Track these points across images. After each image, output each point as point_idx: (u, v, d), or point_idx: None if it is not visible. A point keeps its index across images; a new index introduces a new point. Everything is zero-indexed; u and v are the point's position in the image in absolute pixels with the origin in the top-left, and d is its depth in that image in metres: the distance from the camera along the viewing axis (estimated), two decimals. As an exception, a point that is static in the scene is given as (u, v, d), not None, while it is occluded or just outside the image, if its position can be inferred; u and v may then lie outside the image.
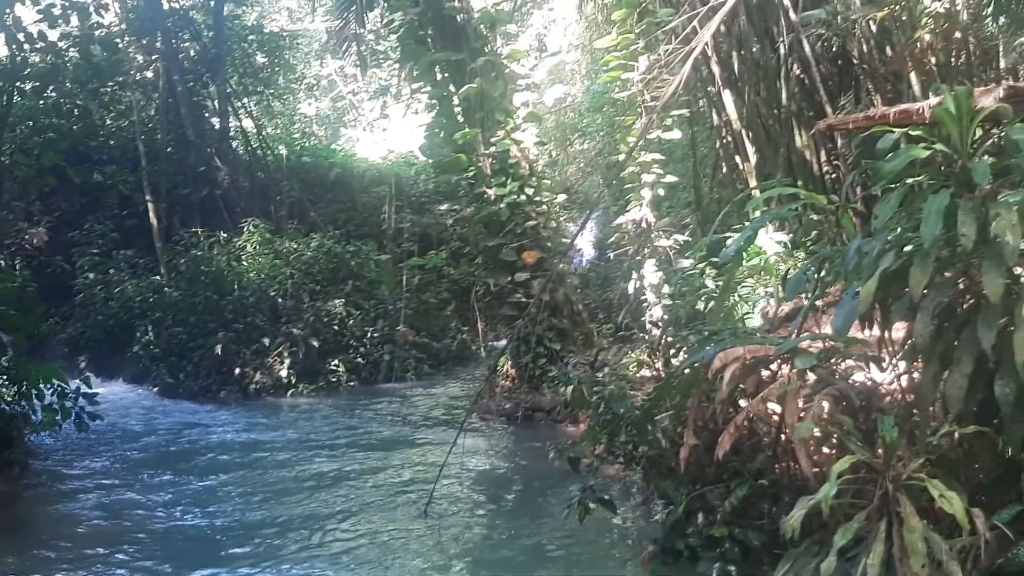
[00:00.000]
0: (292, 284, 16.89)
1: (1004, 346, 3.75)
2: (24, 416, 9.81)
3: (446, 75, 13.80)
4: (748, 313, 10.44)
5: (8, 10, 11.23)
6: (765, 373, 5.38)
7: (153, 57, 21.79)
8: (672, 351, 8.73)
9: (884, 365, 4.97)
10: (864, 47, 12.01)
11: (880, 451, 4.11)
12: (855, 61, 12.42)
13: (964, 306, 4.16)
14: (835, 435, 4.66)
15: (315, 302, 16.82)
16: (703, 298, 11.13)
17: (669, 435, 6.31)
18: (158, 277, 18.37)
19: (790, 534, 4.02)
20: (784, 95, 13.02)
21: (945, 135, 4.31)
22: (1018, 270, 3.99)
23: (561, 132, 25.73)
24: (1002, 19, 11.21)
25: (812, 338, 5.42)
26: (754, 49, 13.46)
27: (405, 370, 16.84)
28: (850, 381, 5.08)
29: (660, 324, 12.27)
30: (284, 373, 15.66)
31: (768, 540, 4.94)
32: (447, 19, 13.47)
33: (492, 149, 13.35)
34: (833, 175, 12.85)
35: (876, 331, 4.64)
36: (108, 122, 22.00)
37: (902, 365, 4.74)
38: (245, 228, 18.59)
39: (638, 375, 10.05)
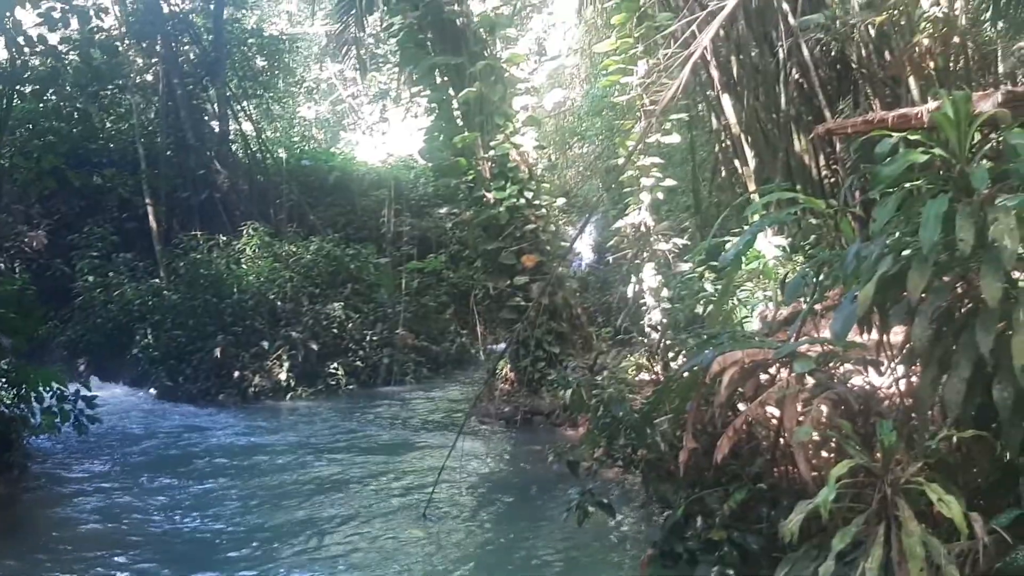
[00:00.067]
0: (291, 287, 16.89)
1: (1002, 350, 3.76)
2: (23, 419, 9.81)
3: (445, 79, 13.83)
4: (747, 317, 10.45)
5: (8, 14, 11.23)
6: (764, 377, 5.39)
7: (153, 60, 21.82)
8: (671, 355, 8.75)
9: (883, 369, 4.98)
10: (863, 51, 12.02)
11: (879, 455, 4.12)
12: (854, 65, 12.44)
13: (962, 310, 4.17)
14: (834, 439, 4.67)
15: (314, 305, 16.83)
16: (702, 302, 11.13)
17: (668, 439, 6.32)
18: (157, 280, 18.38)
19: (789, 538, 4.02)
20: (783, 99, 13.03)
21: (943, 139, 4.32)
22: (1016, 274, 3.99)
23: (560, 136, 25.74)
24: (1000, 24, 11.22)
25: (811, 342, 5.42)
26: (753, 53, 13.48)
27: (404, 373, 16.85)
28: (849, 385, 5.08)
29: (659, 328, 12.27)
30: (283, 376, 15.67)
31: (767, 544, 4.94)
32: (447, 23, 13.50)
33: (491, 153, 13.37)
34: (832, 179, 12.85)
35: (875, 335, 4.65)
36: (108, 125, 22.02)
37: (900, 369, 4.74)
38: (244, 231, 18.61)
39: (637, 379, 10.06)
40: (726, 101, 13.56)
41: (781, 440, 5.16)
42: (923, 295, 3.96)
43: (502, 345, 15.61)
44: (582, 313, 14.20)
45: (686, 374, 5.81)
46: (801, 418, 4.71)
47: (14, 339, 9.75)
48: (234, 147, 23.35)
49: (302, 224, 21.16)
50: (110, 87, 20.61)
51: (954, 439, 4.13)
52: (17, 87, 12.19)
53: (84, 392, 10.28)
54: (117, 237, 19.37)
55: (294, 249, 18.01)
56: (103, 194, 19.96)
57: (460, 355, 18.47)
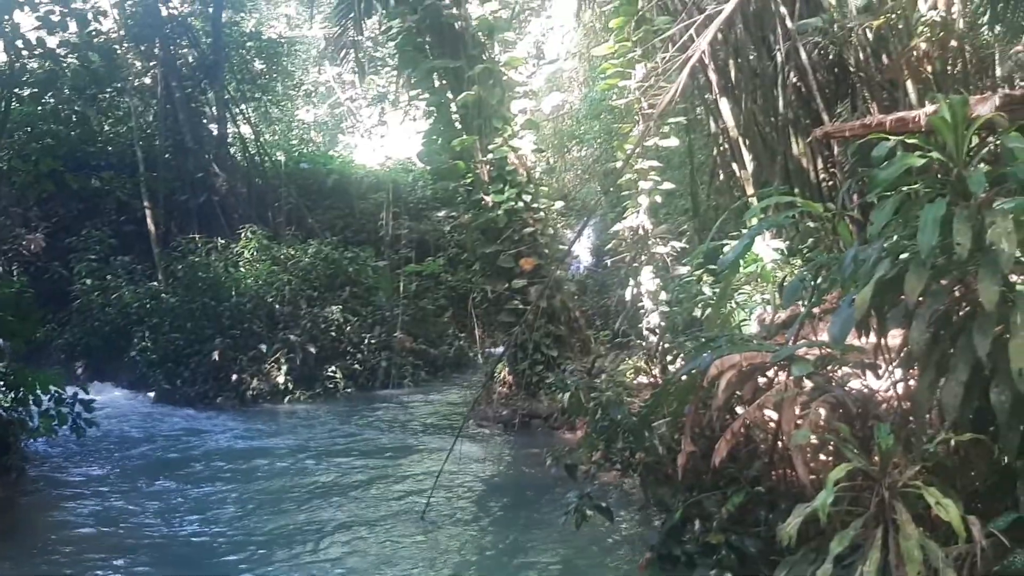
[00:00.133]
0: (289, 290, 16.88)
1: (1000, 354, 3.76)
2: (21, 422, 9.80)
3: (444, 82, 13.84)
4: (745, 320, 10.45)
5: (7, 17, 11.23)
6: (762, 380, 5.39)
7: (151, 63, 21.80)
8: (669, 358, 8.75)
9: (880, 372, 4.98)
10: (860, 55, 12.04)
11: (876, 458, 4.12)
12: (851, 69, 12.46)
13: (960, 314, 4.17)
14: (831, 442, 4.67)
15: (312, 308, 16.82)
16: (700, 305, 11.13)
17: (666, 442, 6.32)
18: (155, 283, 18.38)
19: (786, 541, 4.02)
20: (781, 103, 13.05)
21: (941, 143, 4.32)
22: (1013, 278, 4.00)
23: (559, 139, 25.76)
24: (998, 28, 11.26)
25: (809, 345, 5.43)
26: (751, 57, 13.50)
27: (402, 376, 16.85)
28: (847, 388, 5.08)
29: (657, 331, 12.28)
30: (281, 379, 15.65)
31: (764, 547, 4.94)
32: (445, 26, 13.51)
33: (490, 156, 13.38)
34: (830, 183, 12.87)
35: (872, 338, 4.66)
36: (106, 128, 22.03)
37: (898, 372, 4.75)
38: (243, 234, 18.60)
39: (635, 382, 10.05)
40: (724, 105, 13.58)
41: (779, 443, 5.17)
42: (921, 298, 3.97)
43: (500, 348, 15.62)
44: (580, 316, 14.20)
45: (684, 377, 5.82)
46: (799, 421, 4.71)
47: (12, 342, 9.75)
48: (232, 150, 23.35)
49: (300, 227, 21.17)
50: (108, 90, 20.65)
51: (952, 442, 4.13)
52: (15, 90, 12.20)
53: (82, 395, 10.27)
54: (115, 240, 19.38)
55: (292, 252, 18.01)
56: (101, 197, 19.96)
57: (458, 358, 18.48)
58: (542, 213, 13.77)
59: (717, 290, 10.92)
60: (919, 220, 3.94)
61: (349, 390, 16.19)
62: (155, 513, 8.95)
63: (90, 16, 12.58)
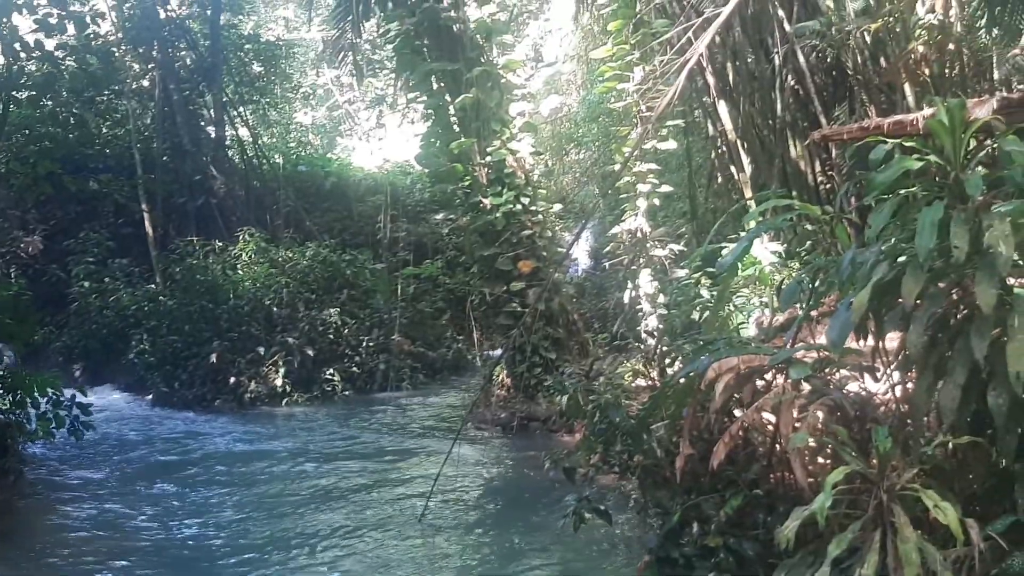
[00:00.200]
0: (287, 293, 16.87)
1: (997, 357, 3.76)
2: (19, 425, 9.79)
3: (442, 85, 13.85)
4: (743, 323, 10.45)
5: (4, 19, 11.23)
6: (760, 383, 5.39)
7: (149, 66, 21.81)
8: (667, 361, 8.73)
9: (878, 375, 4.99)
10: (858, 58, 12.04)
11: (874, 461, 4.12)
12: (849, 72, 12.46)
13: (957, 317, 4.17)
14: (829, 445, 4.67)
15: (310, 311, 16.80)
16: (698, 308, 11.14)
17: (664, 445, 6.31)
18: (153, 286, 18.39)
19: (784, 544, 4.02)
20: (779, 106, 13.05)
21: (938, 146, 4.33)
22: (1011, 281, 4.00)
23: (557, 142, 25.77)
24: (995, 31, 11.26)
25: (807, 348, 5.43)
26: (749, 60, 13.50)
27: (400, 379, 16.83)
28: (845, 391, 5.08)
29: (655, 334, 12.27)
30: (279, 382, 15.64)
31: (763, 550, 4.94)
32: (443, 29, 13.52)
33: (488, 159, 13.38)
34: (828, 186, 12.87)
35: (870, 341, 4.66)
36: (104, 131, 22.04)
37: (896, 375, 4.75)
38: (241, 237, 18.59)
39: (633, 384, 10.05)
40: (722, 107, 13.58)
41: (777, 446, 5.17)
42: (918, 301, 3.97)
43: (498, 351, 15.61)
44: (578, 319, 14.20)
45: (682, 380, 5.81)
46: (797, 424, 4.71)
47: (10, 344, 9.74)
48: (230, 153, 23.34)
49: (298, 230, 21.16)
50: (106, 93, 20.66)
51: (950, 445, 4.14)
52: (13, 93, 12.19)
53: (80, 399, 10.26)
54: (113, 243, 19.38)
55: (290, 255, 17.99)
56: (99, 199, 19.95)
57: (456, 361, 18.46)
58: (540, 216, 13.78)
59: (715, 293, 10.92)
60: (917, 223, 3.94)
61: (347, 393, 16.17)
62: (153, 516, 8.95)
63: (88, 19, 12.60)
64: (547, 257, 13.68)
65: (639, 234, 13.07)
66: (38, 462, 11.05)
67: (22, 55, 11.39)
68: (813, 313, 6.15)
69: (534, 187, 13.89)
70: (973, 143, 4.38)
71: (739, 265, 10.02)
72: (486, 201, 13.29)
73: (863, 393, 5.16)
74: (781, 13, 12.57)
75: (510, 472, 10.73)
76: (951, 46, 11.00)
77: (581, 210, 22.04)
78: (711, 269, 10.78)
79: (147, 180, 20.09)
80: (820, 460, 5.05)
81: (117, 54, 19.93)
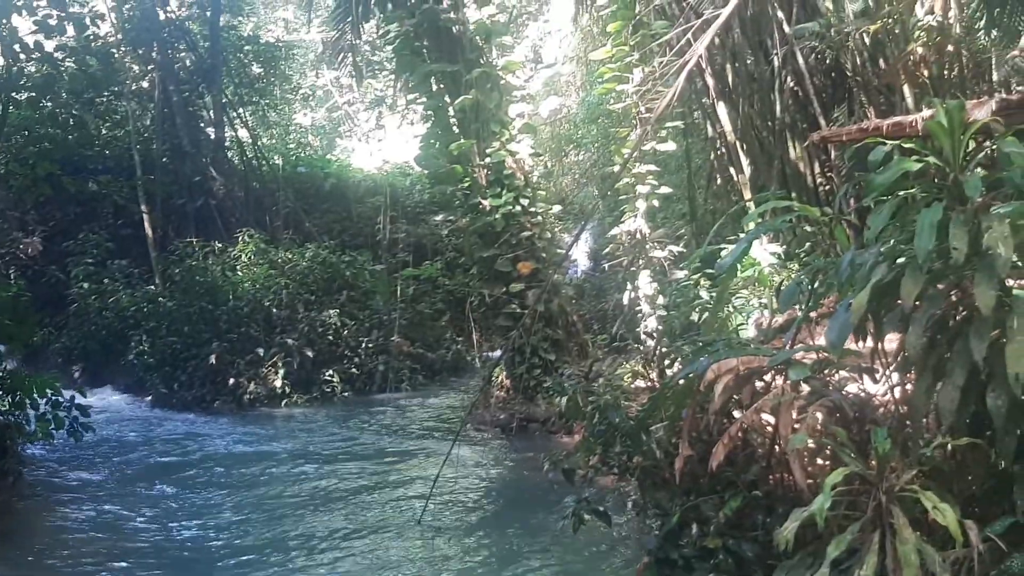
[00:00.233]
0: (287, 294, 16.86)
1: (996, 358, 3.76)
2: (18, 426, 9.78)
3: (442, 86, 13.85)
4: (742, 324, 10.46)
5: (4, 20, 11.24)
6: (759, 384, 5.39)
7: (149, 67, 21.81)
8: (667, 362, 8.73)
9: (877, 377, 4.99)
10: (857, 60, 12.05)
11: (873, 463, 4.12)
12: (848, 74, 12.47)
13: (956, 318, 4.17)
14: (829, 447, 4.67)
15: (310, 312, 16.80)
16: (698, 309, 11.14)
17: (663, 446, 6.31)
18: (153, 287, 18.38)
19: (784, 545, 4.02)
20: (778, 107, 13.06)
21: (937, 148, 4.33)
22: (1010, 282, 4.00)
23: (556, 143, 25.77)
24: (995, 32, 11.27)
25: (806, 349, 5.43)
26: (748, 61, 13.51)
27: (400, 380, 16.83)
28: (844, 393, 5.08)
29: (655, 335, 12.27)
30: (278, 383, 15.64)
31: (762, 551, 4.94)
32: (443, 31, 13.53)
33: (487, 160, 13.38)
34: (827, 187, 12.88)
35: (869, 343, 4.66)
36: (104, 132, 22.04)
37: (895, 377, 4.75)
38: (240, 238, 18.59)
39: (633, 386, 10.05)
40: (721, 109, 13.59)
41: (776, 447, 5.17)
42: (917, 303, 3.97)
43: (498, 352, 15.62)
44: (578, 320, 14.21)
45: (681, 381, 5.81)
46: (796, 425, 4.71)
47: (9, 345, 9.72)
48: (230, 154, 23.34)
49: (298, 231, 21.16)
50: (106, 94, 20.67)
51: (949, 447, 4.14)
52: (13, 94, 12.20)
53: (79, 400, 10.25)
54: (112, 244, 19.37)
55: (290, 256, 17.99)
56: (98, 201, 19.95)
57: (456, 362, 18.45)
58: (540, 217, 13.78)
59: (714, 294, 10.93)
60: (916, 225, 3.94)
61: (346, 394, 16.17)
62: (152, 518, 8.94)
63: (88, 20, 12.61)
64: (546, 258, 13.68)
65: (638, 235, 13.08)
66: (37, 463, 11.04)
67: (22, 56, 11.40)
68: (812, 314, 6.16)
69: (533, 188, 13.89)
70: (972, 145, 4.39)
71: (738, 266, 10.02)
72: (485, 202, 13.30)
73: (862, 394, 5.16)
74: (780, 15, 12.58)
75: (509, 473, 10.73)
76: (950, 48, 11.01)
77: (580, 211, 22.05)
78: (710, 270, 10.79)
79: (146, 181, 20.09)
80: (819, 461, 5.05)
81: (117, 55, 19.95)
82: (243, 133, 23.83)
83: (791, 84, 12.95)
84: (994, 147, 4.34)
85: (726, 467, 5.24)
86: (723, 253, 9.53)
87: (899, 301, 4.00)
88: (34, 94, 12.52)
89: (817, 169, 12.97)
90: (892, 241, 4.32)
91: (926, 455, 4.16)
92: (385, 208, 21.65)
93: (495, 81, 13.44)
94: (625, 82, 12.82)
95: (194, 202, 20.67)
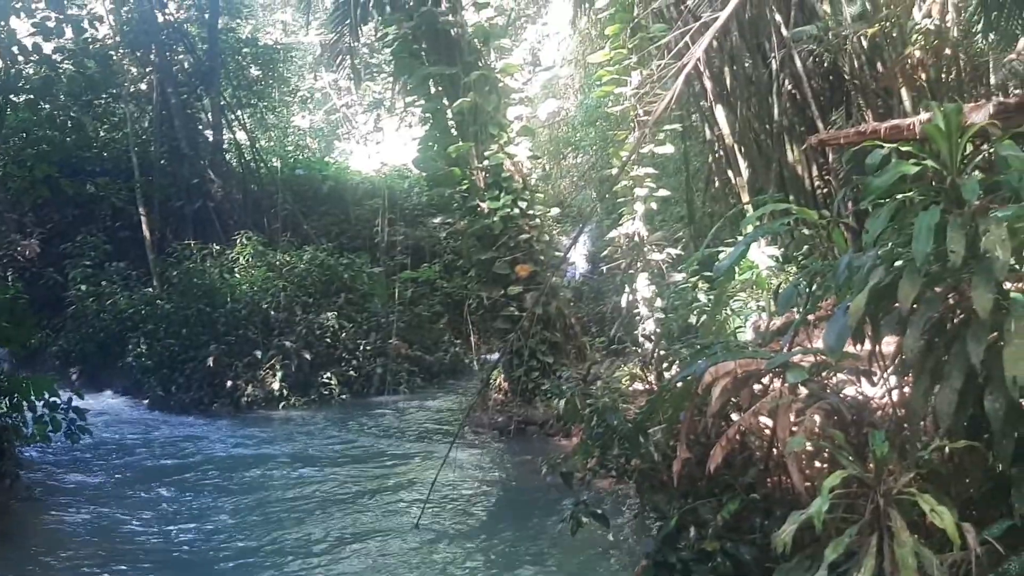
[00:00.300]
0: (285, 297, 16.86)
1: (993, 361, 3.76)
2: (15, 428, 9.77)
3: (440, 89, 13.85)
4: (740, 327, 10.46)
5: (2, 23, 11.24)
6: (757, 387, 5.39)
7: (147, 70, 21.80)
8: (665, 365, 8.73)
9: (875, 379, 4.99)
10: (855, 63, 12.07)
11: (871, 466, 4.12)
12: (846, 77, 12.49)
13: (954, 321, 4.17)
14: (826, 449, 4.67)
15: (308, 315, 16.80)
16: (695, 312, 11.15)
17: (661, 448, 6.31)
18: (150, 289, 18.37)
19: (781, 548, 4.02)
20: (776, 110, 13.07)
21: (935, 151, 4.33)
22: (1007, 285, 4.01)
23: (554, 146, 25.79)
24: (992, 36, 11.27)
25: (804, 352, 5.43)
26: (746, 64, 13.53)
27: (398, 383, 16.82)
28: (841, 395, 5.08)
29: (653, 338, 12.28)
30: (276, 386, 15.64)
31: (760, 554, 4.94)
32: (441, 33, 13.53)
33: (485, 163, 13.38)
34: (824, 190, 12.90)
35: (867, 345, 4.66)
36: (102, 134, 22.04)
37: (893, 380, 4.75)
38: (238, 240, 18.57)
39: (631, 388, 10.06)
40: (719, 112, 13.60)
41: (774, 450, 5.17)
42: (915, 306, 3.97)
43: (496, 355, 15.61)
44: (576, 323, 14.20)
45: (679, 384, 5.81)
46: (794, 428, 4.71)
47: (7, 348, 9.71)
48: (228, 156, 23.33)
49: (296, 233, 21.15)
50: (104, 96, 20.66)
51: (946, 450, 4.14)
52: (11, 96, 12.19)
53: (76, 402, 10.23)
54: (110, 246, 19.34)
55: (288, 258, 17.98)
56: (96, 203, 19.93)
57: (454, 365, 18.46)
58: (538, 220, 13.78)
59: (712, 297, 10.94)
60: (913, 228, 3.94)
61: (344, 397, 16.17)
62: (150, 520, 8.93)
63: (86, 23, 12.58)
64: (544, 261, 13.68)
65: (636, 238, 13.09)
66: (35, 465, 11.02)
67: (20, 58, 11.39)
68: (810, 317, 6.15)
69: (531, 191, 13.90)
70: (969, 148, 4.38)
71: (736, 269, 10.03)
72: (484, 205, 13.29)
73: (860, 397, 5.17)
74: (778, 18, 12.59)
75: (507, 476, 10.72)
76: (948, 51, 11.03)
77: (579, 214, 22.06)
78: (708, 273, 10.80)
79: (144, 183, 20.08)
80: (817, 464, 5.04)
81: (115, 58, 19.91)
82: (241, 135, 23.83)
83: (789, 87, 12.96)
84: (991, 150, 4.35)
85: (724, 470, 5.24)
86: (721, 256, 9.53)
87: (897, 304, 4.00)
88: (32, 96, 12.49)
89: (815, 172, 12.99)
90: (890, 244, 4.32)
91: (924, 458, 4.16)
92: (383, 210, 21.64)
93: (493, 84, 13.44)
94: (623, 85, 12.83)
95: (192, 204, 20.66)
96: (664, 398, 6.13)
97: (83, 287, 18.10)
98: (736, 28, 12.87)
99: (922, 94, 10.94)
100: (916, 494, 3.83)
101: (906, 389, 4.55)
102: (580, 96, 25.77)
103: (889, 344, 4.62)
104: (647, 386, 9.50)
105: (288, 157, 26.42)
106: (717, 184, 15.22)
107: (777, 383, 5.24)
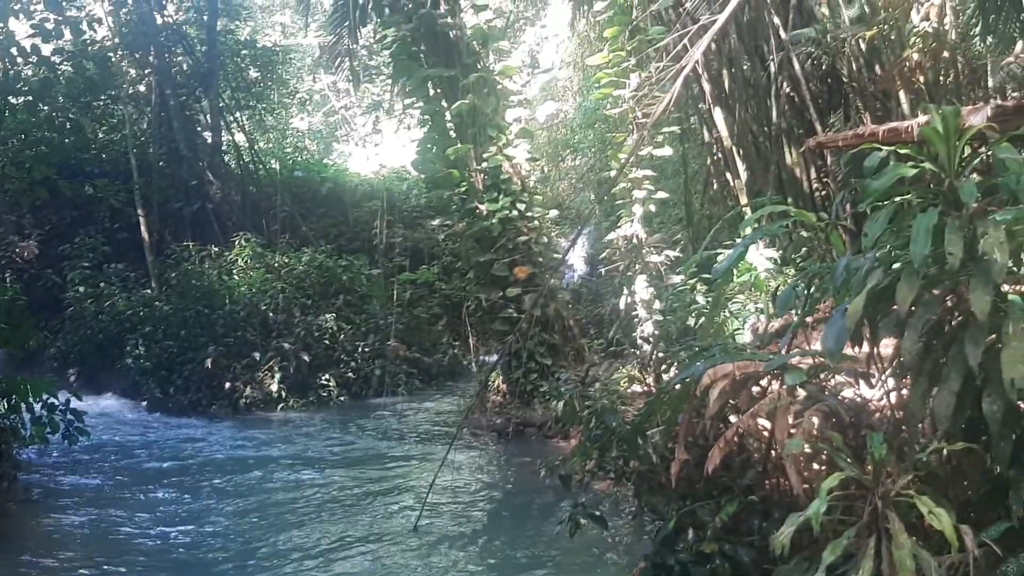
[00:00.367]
0: (283, 298, 16.86)
1: (991, 363, 3.77)
2: (13, 430, 9.76)
3: (438, 91, 13.86)
4: (738, 329, 10.47)
5: (1, 24, 11.24)
6: (755, 389, 5.38)
7: (146, 71, 21.78)
8: (663, 367, 8.74)
9: (873, 382, 4.99)
10: (853, 66, 12.09)
11: (869, 468, 4.12)
12: (844, 79, 12.51)
13: (952, 323, 4.18)
14: (825, 451, 4.67)
15: (306, 316, 16.80)
16: (694, 314, 11.15)
17: (660, 450, 6.31)
18: (149, 291, 18.34)
19: (779, 550, 4.02)
20: (774, 113, 13.09)
21: (933, 154, 4.34)
22: (1005, 287, 4.01)
23: (553, 148, 25.79)
24: (990, 39, 11.30)
25: (802, 354, 5.43)
26: (745, 67, 13.55)
27: (396, 385, 16.81)
28: (840, 398, 5.09)
29: (651, 340, 12.29)
30: (275, 387, 15.63)
31: (758, 556, 4.94)
32: (440, 35, 13.54)
33: (484, 165, 13.39)
34: (823, 192, 12.91)
35: (865, 348, 4.66)
36: (100, 136, 22.01)
37: (891, 382, 4.75)
38: (236, 242, 18.56)
39: (629, 390, 10.07)
40: (718, 114, 13.62)
41: (772, 452, 5.17)
42: (913, 308, 3.97)
43: (494, 356, 15.61)
44: (574, 325, 14.20)
45: (678, 386, 5.81)
46: (792, 430, 4.71)
47: (5, 349, 9.70)
48: (227, 158, 23.33)
49: (294, 235, 21.13)
50: (103, 98, 20.61)
51: (944, 452, 4.14)
52: (10, 97, 12.19)
53: (74, 404, 10.22)
54: (109, 247, 19.31)
55: (286, 260, 17.98)
56: (95, 204, 19.91)
57: (452, 367, 18.45)
58: (536, 222, 13.79)
59: (711, 299, 10.95)
60: (911, 230, 3.94)
61: (343, 398, 16.16)
62: (147, 522, 8.93)
63: (85, 24, 12.57)
64: (543, 263, 13.69)
65: (635, 240, 13.09)
66: (32, 467, 11.01)
67: (19, 60, 11.40)
68: (808, 319, 6.15)
69: (530, 193, 13.91)
70: (967, 150, 4.39)
71: (734, 271, 10.03)
72: (482, 207, 13.30)
73: (858, 399, 5.17)
74: (777, 20, 12.61)
75: (506, 478, 10.73)
76: (946, 54, 11.05)
77: (577, 216, 22.06)
78: (707, 275, 10.81)
79: (143, 185, 20.06)
80: (815, 466, 5.05)
81: (114, 59, 19.91)
82: (240, 137, 23.81)
83: (787, 90, 12.98)
84: (989, 153, 4.35)
85: (722, 472, 5.24)
86: (719, 258, 9.54)
87: (895, 306, 4.00)
88: (31, 98, 12.49)
89: (813, 174, 13.01)
90: (888, 246, 4.32)
91: (922, 460, 4.16)
92: (382, 212, 21.62)
93: (492, 86, 13.45)
94: (622, 87, 12.84)
95: (191, 206, 20.65)
96: (662, 400, 6.13)
97: (81, 289, 18.07)
98: (734, 31, 12.89)
99: (920, 97, 10.96)
100: (914, 496, 3.83)
101: (904, 391, 4.55)
102: (579, 98, 25.77)
103: (887, 346, 4.62)
104: (645, 388, 9.51)
105: (287, 159, 26.40)
106: (715, 186, 15.24)
107: (775, 385, 5.24)
